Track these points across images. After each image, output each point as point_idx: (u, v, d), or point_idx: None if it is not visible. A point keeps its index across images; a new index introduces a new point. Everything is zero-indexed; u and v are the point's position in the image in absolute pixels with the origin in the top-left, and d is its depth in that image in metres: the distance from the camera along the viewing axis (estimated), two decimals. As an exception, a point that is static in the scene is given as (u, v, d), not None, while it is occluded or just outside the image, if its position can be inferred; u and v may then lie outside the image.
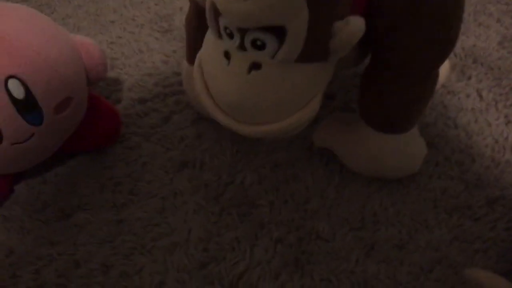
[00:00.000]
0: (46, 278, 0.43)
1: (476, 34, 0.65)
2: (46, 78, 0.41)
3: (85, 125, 0.50)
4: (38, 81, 0.40)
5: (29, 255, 0.45)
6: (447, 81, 0.59)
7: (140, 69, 0.65)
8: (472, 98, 0.58)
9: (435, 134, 0.54)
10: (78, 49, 0.47)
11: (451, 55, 0.60)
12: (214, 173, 0.51)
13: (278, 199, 0.49)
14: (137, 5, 0.78)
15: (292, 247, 0.45)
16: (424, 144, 0.48)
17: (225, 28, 0.35)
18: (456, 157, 0.51)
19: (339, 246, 0.45)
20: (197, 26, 0.49)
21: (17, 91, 0.39)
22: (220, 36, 0.37)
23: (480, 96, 0.57)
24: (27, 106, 0.40)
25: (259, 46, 0.34)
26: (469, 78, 0.60)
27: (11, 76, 0.39)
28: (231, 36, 0.35)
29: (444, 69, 0.57)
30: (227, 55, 0.36)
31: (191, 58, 0.53)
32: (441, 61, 0.40)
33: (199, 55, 0.41)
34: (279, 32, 0.33)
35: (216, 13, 0.35)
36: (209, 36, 0.39)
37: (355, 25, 0.34)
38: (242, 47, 0.35)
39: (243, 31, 0.34)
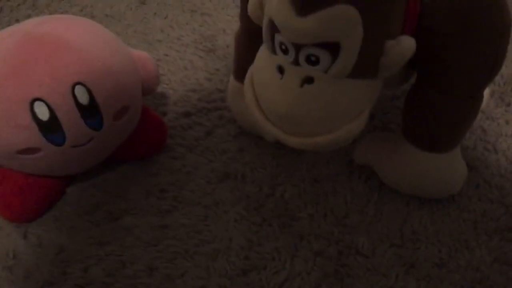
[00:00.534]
0: (94, 276, 0.45)
1: (515, 62, 0.66)
2: (109, 87, 0.44)
3: (135, 134, 0.53)
4: (102, 89, 0.44)
5: (78, 253, 0.47)
6: (486, 107, 0.60)
7: (185, 85, 0.68)
8: (511, 125, 0.58)
9: (475, 157, 0.54)
10: (136, 62, 0.50)
11: (491, 81, 0.60)
12: (255, 185, 0.53)
13: (318, 213, 0.50)
14: (182, 26, 0.82)
15: (332, 260, 0.46)
16: (465, 165, 0.48)
17: (281, 44, 0.38)
18: (496, 181, 0.52)
19: (378, 262, 0.45)
20: (247, 44, 0.52)
21: (83, 97, 0.43)
22: (274, 51, 0.39)
23: (520, 122, 0.58)
24: (90, 112, 0.43)
25: (313, 61, 0.36)
26: (508, 104, 0.60)
27: (78, 83, 0.42)
28: (285, 51, 0.38)
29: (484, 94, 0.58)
30: (280, 69, 0.38)
31: (238, 74, 0.55)
32: (487, 83, 0.41)
33: (250, 69, 0.44)
34: (333, 48, 0.35)
35: (273, 29, 0.38)
36: (262, 52, 0.42)
37: (406, 44, 0.35)
38: (296, 62, 0.37)
39: (298, 47, 0.36)
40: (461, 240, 0.47)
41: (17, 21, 0.79)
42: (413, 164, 0.46)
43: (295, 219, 0.49)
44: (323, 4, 0.33)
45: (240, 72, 0.54)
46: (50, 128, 0.42)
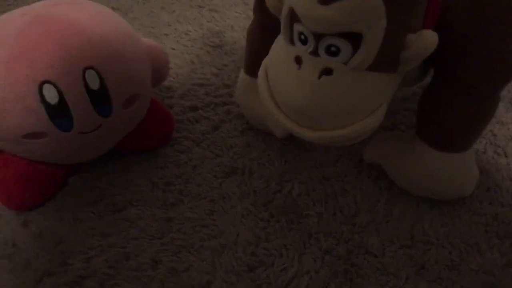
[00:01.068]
0: (96, 268, 0.43)
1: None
2: (120, 73, 0.43)
3: (141, 125, 0.52)
4: (113, 74, 0.42)
5: (80, 244, 0.46)
6: (496, 111, 0.59)
7: (192, 79, 0.68)
8: (521, 130, 0.58)
9: (485, 161, 0.54)
10: (146, 50, 0.49)
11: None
12: (262, 181, 0.52)
13: (327, 211, 0.49)
14: (190, 21, 0.81)
15: (341, 258, 0.45)
16: (477, 168, 0.48)
17: (300, 33, 0.37)
18: (507, 185, 0.51)
19: (388, 262, 0.44)
20: (260, 37, 0.52)
21: (93, 82, 0.41)
22: (292, 42, 0.38)
23: (530, 128, 0.57)
24: (99, 97, 0.42)
25: (333, 52, 0.35)
26: (518, 110, 0.60)
27: (89, 67, 0.41)
28: (304, 42, 0.37)
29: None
30: (298, 60, 0.37)
31: (249, 68, 0.55)
32: (506, 83, 0.41)
33: (264, 61, 0.43)
34: (355, 39, 0.34)
35: (293, 19, 0.37)
36: (278, 43, 0.41)
37: (428, 38, 0.35)
38: (315, 52, 0.36)
39: (318, 37, 0.35)
40: (472, 243, 0.46)
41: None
42: (426, 164, 0.45)
43: (304, 216, 0.48)
44: (347, -8, 0.32)
45: (252, 66, 0.54)
46: (58, 112, 0.41)
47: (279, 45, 0.40)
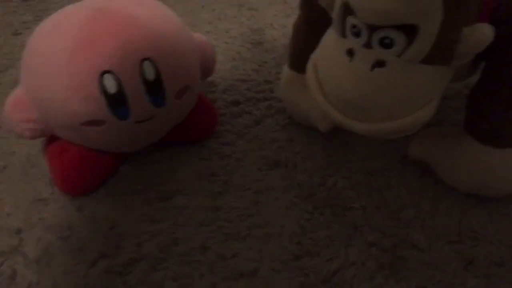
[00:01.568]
0: (147, 251, 0.45)
1: None
2: (174, 65, 0.45)
3: (187, 117, 0.53)
4: (167, 66, 0.44)
5: (131, 229, 0.47)
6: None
7: (233, 75, 0.69)
8: None
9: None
10: (196, 44, 0.51)
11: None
12: (306, 175, 0.53)
13: (371, 205, 0.49)
14: (230, 19, 0.83)
15: (387, 252, 0.45)
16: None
17: (353, 26, 0.37)
18: (557, 184, 0.50)
19: (435, 257, 0.44)
20: (306, 32, 0.52)
21: (150, 72, 0.43)
22: (344, 35, 0.39)
23: None
24: (155, 88, 0.44)
25: (387, 44, 0.36)
26: None
27: (146, 58, 0.43)
28: (357, 34, 0.37)
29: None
30: (350, 52, 0.38)
31: (294, 64, 0.55)
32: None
33: (314, 54, 0.44)
34: (410, 31, 0.35)
35: (346, 12, 0.37)
36: (329, 36, 0.41)
37: (484, 31, 0.35)
38: (368, 45, 0.37)
39: (372, 29, 0.36)
40: (521, 240, 0.45)
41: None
42: (475, 159, 0.45)
43: (348, 209, 0.49)
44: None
45: (297, 61, 0.55)
46: (117, 102, 0.43)
47: (330, 38, 0.41)
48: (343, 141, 0.57)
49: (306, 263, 0.44)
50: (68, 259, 0.45)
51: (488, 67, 0.43)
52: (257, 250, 0.45)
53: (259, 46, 0.75)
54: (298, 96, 0.56)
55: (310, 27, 0.51)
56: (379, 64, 0.36)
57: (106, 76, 0.42)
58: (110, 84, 0.42)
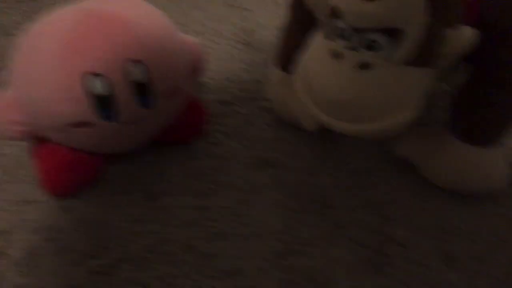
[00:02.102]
0: (134, 251, 0.46)
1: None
2: (163, 67, 0.45)
3: (177, 117, 0.54)
4: (157, 68, 0.44)
5: (118, 229, 0.48)
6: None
7: (222, 75, 0.70)
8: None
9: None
10: (186, 45, 0.51)
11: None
12: (293, 174, 0.53)
13: (355, 203, 0.50)
14: (221, 19, 0.83)
15: (371, 249, 0.46)
16: (505, 163, 0.48)
17: (340, 29, 0.38)
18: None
19: (418, 253, 0.45)
20: (295, 33, 0.53)
21: (138, 74, 0.44)
22: (331, 37, 0.39)
23: None
24: (144, 89, 0.44)
25: (372, 47, 0.36)
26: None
27: (135, 60, 0.43)
28: (344, 37, 0.38)
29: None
30: (336, 54, 0.38)
31: (282, 63, 0.56)
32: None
33: (302, 56, 0.44)
34: (395, 34, 0.35)
35: (333, 14, 0.38)
36: (316, 39, 0.42)
37: (467, 34, 0.35)
38: (354, 47, 0.37)
39: (359, 32, 0.36)
40: (501, 236, 0.46)
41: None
42: (457, 157, 0.46)
43: (333, 207, 0.49)
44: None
45: (285, 61, 0.55)
46: (105, 103, 0.43)
47: (317, 40, 0.42)
48: (330, 140, 0.57)
49: (291, 261, 0.45)
50: (55, 260, 0.45)
51: (474, 69, 0.44)
52: (242, 249, 0.46)
53: (250, 47, 0.76)
54: (286, 96, 0.56)
55: (299, 28, 0.52)
56: (365, 66, 0.37)
57: (94, 77, 0.42)
58: (98, 86, 0.42)
